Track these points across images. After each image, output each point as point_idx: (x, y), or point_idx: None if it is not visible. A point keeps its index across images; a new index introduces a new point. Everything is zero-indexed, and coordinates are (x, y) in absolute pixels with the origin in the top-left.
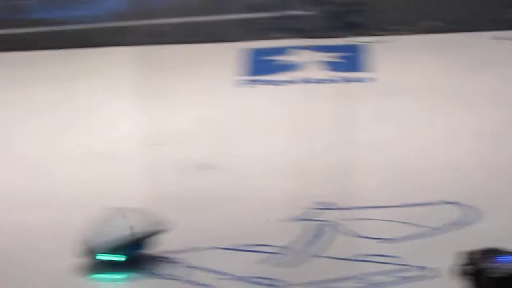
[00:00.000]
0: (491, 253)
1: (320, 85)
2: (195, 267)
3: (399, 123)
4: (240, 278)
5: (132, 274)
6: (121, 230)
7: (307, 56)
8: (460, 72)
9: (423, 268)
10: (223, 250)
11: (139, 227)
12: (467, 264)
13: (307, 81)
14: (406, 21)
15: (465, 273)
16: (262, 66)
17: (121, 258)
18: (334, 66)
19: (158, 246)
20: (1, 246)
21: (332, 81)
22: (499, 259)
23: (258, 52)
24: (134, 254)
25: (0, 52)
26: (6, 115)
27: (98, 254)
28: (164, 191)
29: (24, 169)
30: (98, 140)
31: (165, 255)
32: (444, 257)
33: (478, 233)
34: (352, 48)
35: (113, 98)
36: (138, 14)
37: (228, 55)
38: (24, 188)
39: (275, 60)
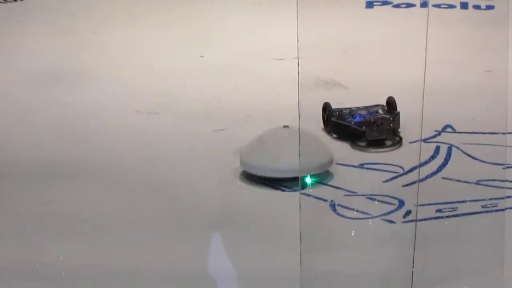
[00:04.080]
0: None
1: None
2: (320, 183)
3: None
4: (366, 196)
5: None
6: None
7: None
8: None
9: None
10: (348, 167)
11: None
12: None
13: (435, 5)
14: None
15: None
16: None
17: None
18: None
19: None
20: (127, 154)
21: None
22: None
23: None
24: None
25: None
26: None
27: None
28: (287, 104)
29: (148, 78)
30: (219, 53)
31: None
32: None
33: None
34: None
35: (236, 12)
36: None
37: None
38: (147, 96)
39: None
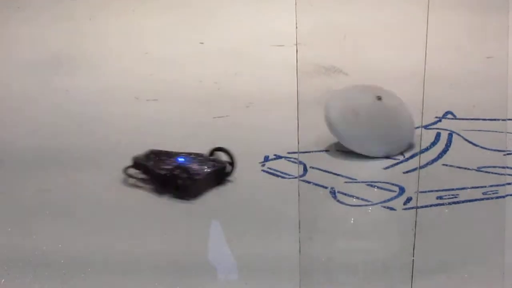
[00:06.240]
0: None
1: None
2: (320, 169)
3: None
4: (367, 183)
5: None
6: None
7: None
8: None
9: None
10: (348, 153)
11: None
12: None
13: None
14: None
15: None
16: None
17: None
18: None
19: None
20: (125, 141)
21: None
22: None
23: None
24: None
25: None
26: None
27: None
28: (287, 90)
29: (147, 64)
30: (219, 39)
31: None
32: None
33: None
34: None
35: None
36: None
37: None
38: (146, 83)
39: None
